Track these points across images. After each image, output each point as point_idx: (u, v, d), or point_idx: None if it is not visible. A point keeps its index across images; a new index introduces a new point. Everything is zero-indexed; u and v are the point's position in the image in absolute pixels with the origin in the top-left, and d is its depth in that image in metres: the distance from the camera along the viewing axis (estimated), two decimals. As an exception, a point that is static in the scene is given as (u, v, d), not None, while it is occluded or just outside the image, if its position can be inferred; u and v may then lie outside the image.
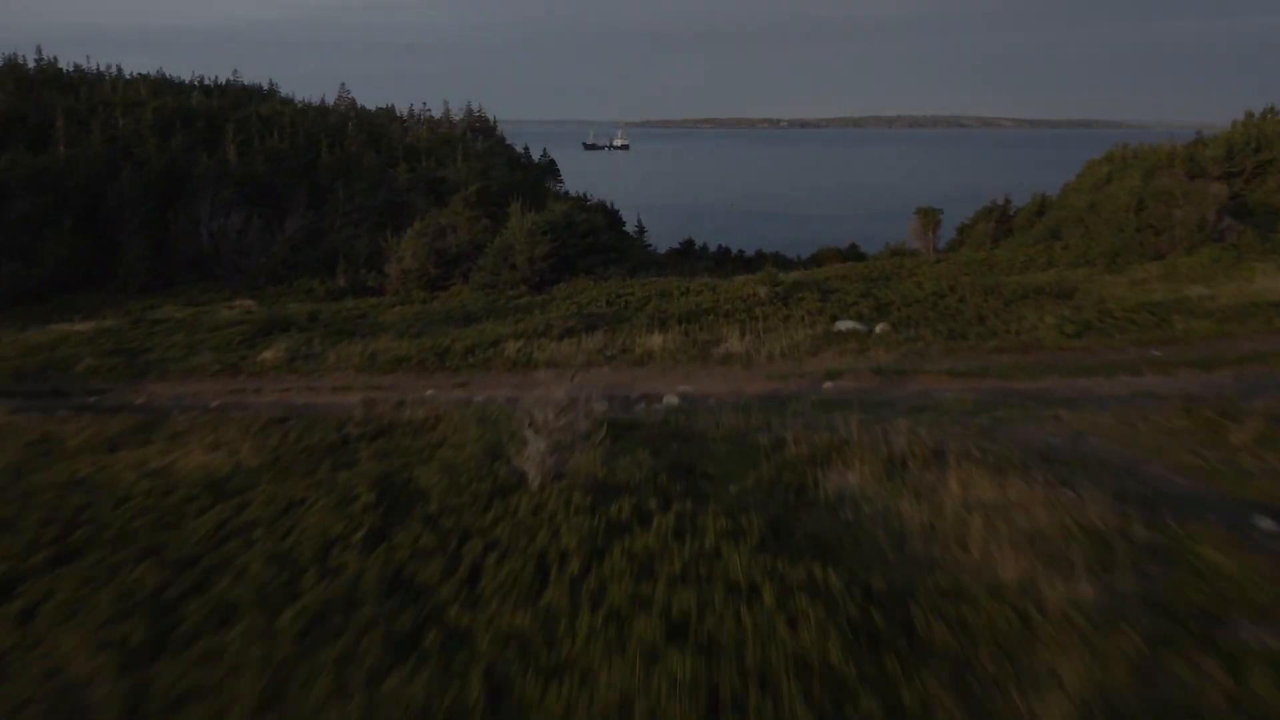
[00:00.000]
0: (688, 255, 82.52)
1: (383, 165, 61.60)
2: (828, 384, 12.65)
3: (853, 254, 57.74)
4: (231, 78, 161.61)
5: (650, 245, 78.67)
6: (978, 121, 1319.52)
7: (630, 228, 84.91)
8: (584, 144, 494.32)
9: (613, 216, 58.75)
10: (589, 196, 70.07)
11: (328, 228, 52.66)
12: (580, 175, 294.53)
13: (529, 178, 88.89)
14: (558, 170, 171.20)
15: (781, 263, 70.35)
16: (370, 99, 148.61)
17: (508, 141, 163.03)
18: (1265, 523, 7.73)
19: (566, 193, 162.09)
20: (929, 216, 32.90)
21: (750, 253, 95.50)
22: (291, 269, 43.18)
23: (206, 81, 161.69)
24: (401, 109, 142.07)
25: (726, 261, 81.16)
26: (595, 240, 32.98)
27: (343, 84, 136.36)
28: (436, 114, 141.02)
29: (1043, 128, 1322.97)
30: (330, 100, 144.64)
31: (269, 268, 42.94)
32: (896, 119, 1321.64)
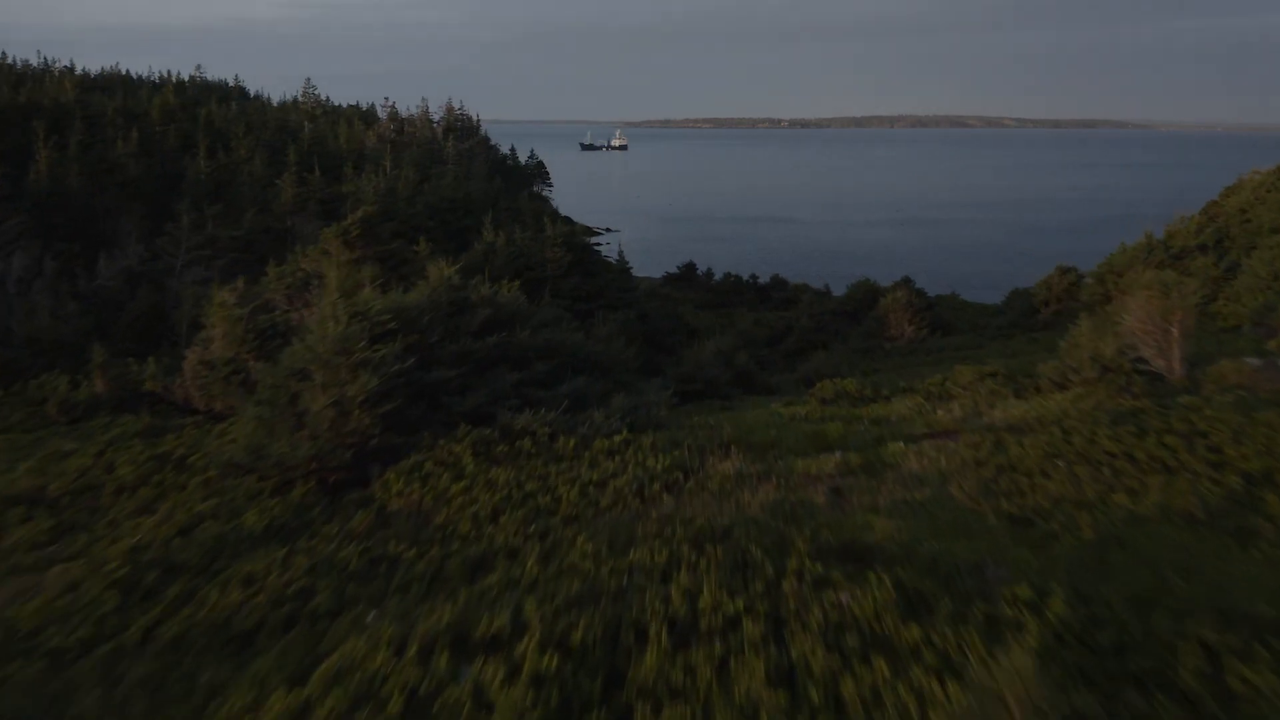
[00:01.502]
0: (689, 284, 66.10)
1: (272, 177, 45.00)
2: None
3: (921, 308, 40.91)
4: (195, 73, 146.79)
5: (635, 282, 62.36)
6: (981, 121, 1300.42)
7: (615, 258, 68.66)
8: (581, 144, 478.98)
9: (584, 252, 41.56)
10: (551, 220, 52.81)
11: (167, 271, 36.20)
12: (574, 178, 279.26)
13: (489, 192, 71.46)
14: (546, 173, 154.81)
15: (820, 305, 53.16)
16: (361, 99, 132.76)
17: (493, 143, 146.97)
18: None
19: (549, 200, 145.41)
20: (1172, 297, 16.12)
21: (764, 278, 78.75)
22: (45, 353, 26.66)
23: (162, 78, 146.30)
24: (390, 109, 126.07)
25: (737, 295, 64.85)
26: (506, 344, 16.58)
27: (308, 79, 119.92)
28: (417, 114, 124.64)
29: (1046, 127, 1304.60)
30: (295, 97, 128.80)
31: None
32: (899, 119, 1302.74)
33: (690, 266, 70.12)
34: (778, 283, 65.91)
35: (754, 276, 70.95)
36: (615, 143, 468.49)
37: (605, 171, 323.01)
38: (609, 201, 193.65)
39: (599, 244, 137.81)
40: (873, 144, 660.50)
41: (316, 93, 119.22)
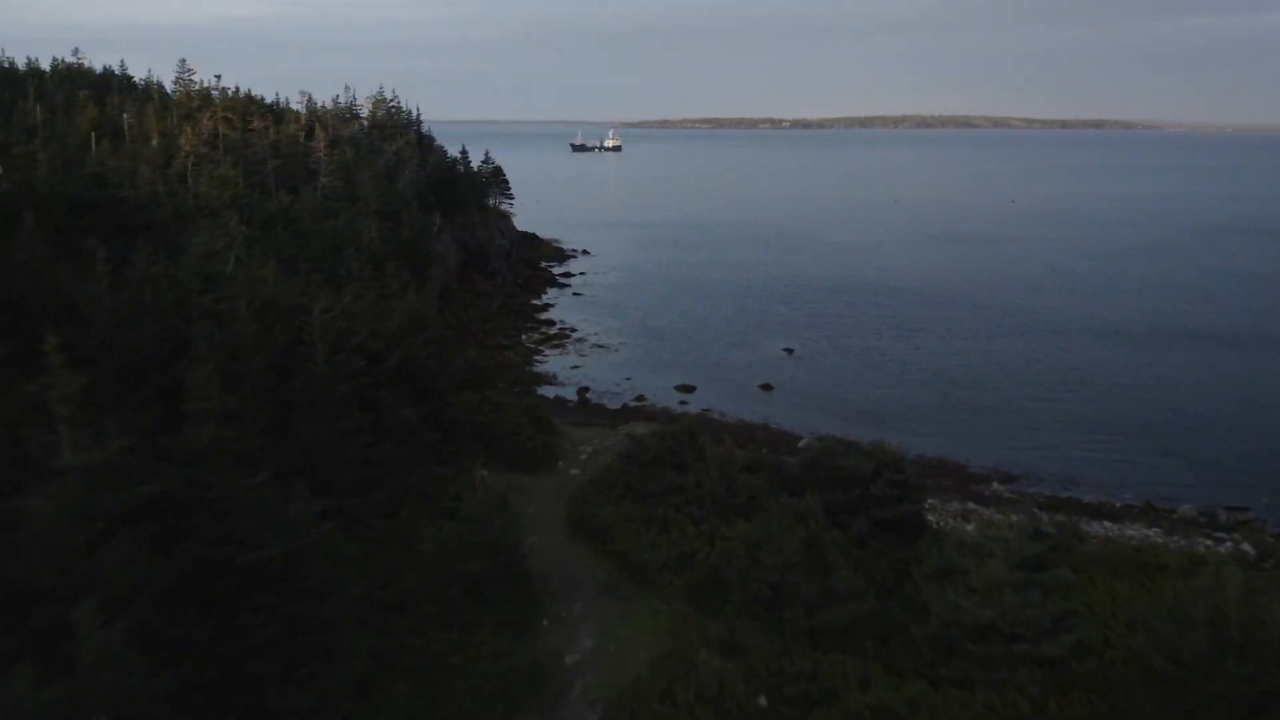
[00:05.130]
0: (681, 479, 29.17)
1: None
2: None
3: None
4: (74, 59, 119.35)
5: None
6: (987, 121, 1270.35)
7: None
8: (572, 145, 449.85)
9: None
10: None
11: None
12: (559, 182, 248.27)
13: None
14: (505, 181, 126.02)
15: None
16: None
17: (437, 143, 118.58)
18: None
19: (509, 215, 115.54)
20: None
21: (833, 430, 40.33)
22: None
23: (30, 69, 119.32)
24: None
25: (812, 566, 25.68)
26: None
27: (182, 60, 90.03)
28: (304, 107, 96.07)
29: (1054, 127, 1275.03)
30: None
31: None
32: (903, 119, 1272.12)
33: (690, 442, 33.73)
34: (892, 483, 25.00)
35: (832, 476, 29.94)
36: (609, 143, 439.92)
37: (596, 175, 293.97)
38: (591, 212, 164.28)
39: (568, 274, 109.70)
40: (879, 145, 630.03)
41: (193, 79, 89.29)
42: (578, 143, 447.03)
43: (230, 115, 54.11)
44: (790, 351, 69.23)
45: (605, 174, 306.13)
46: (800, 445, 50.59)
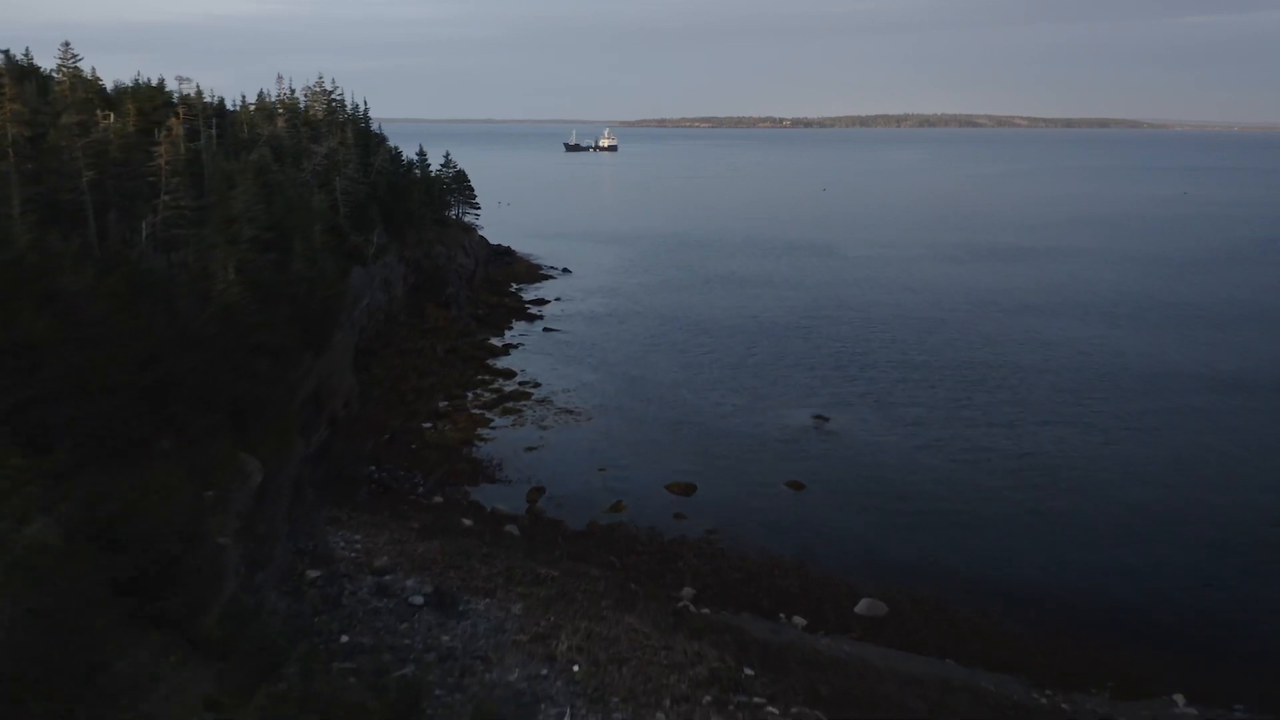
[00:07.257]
0: None
1: None
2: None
3: None
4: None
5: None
6: (991, 120, 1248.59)
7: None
8: (565, 145, 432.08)
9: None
10: None
11: None
12: (546, 185, 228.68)
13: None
14: (469, 187, 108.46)
15: None
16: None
17: (389, 143, 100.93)
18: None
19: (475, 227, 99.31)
20: None
21: (899, 574, 27.92)
22: None
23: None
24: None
25: None
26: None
27: (66, 43, 72.33)
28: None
29: (1058, 126, 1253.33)
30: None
31: None
32: (905, 118, 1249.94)
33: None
34: None
35: None
36: (603, 143, 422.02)
37: (588, 177, 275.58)
38: (577, 220, 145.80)
39: (541, 302, 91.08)
40: (883, 145, 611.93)
41: (76, 64, 71.44)
42: (571, 142, 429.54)
43: (21, 108, 37.13)
44: (822, 421, 51.79)
45: (598, 176, 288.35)
46: (857, 610, 33.18)
